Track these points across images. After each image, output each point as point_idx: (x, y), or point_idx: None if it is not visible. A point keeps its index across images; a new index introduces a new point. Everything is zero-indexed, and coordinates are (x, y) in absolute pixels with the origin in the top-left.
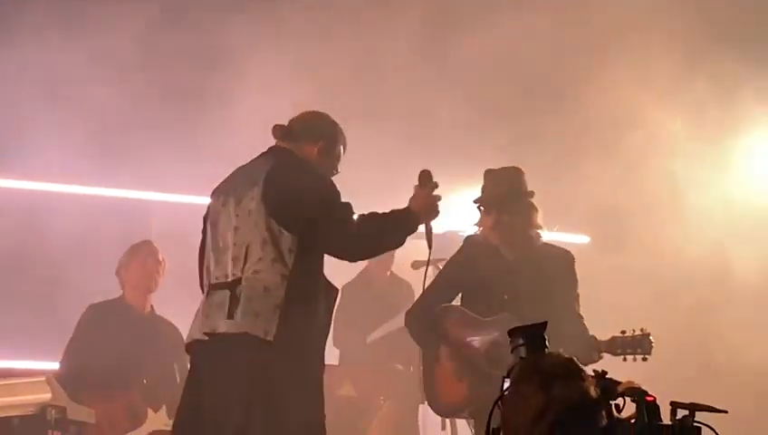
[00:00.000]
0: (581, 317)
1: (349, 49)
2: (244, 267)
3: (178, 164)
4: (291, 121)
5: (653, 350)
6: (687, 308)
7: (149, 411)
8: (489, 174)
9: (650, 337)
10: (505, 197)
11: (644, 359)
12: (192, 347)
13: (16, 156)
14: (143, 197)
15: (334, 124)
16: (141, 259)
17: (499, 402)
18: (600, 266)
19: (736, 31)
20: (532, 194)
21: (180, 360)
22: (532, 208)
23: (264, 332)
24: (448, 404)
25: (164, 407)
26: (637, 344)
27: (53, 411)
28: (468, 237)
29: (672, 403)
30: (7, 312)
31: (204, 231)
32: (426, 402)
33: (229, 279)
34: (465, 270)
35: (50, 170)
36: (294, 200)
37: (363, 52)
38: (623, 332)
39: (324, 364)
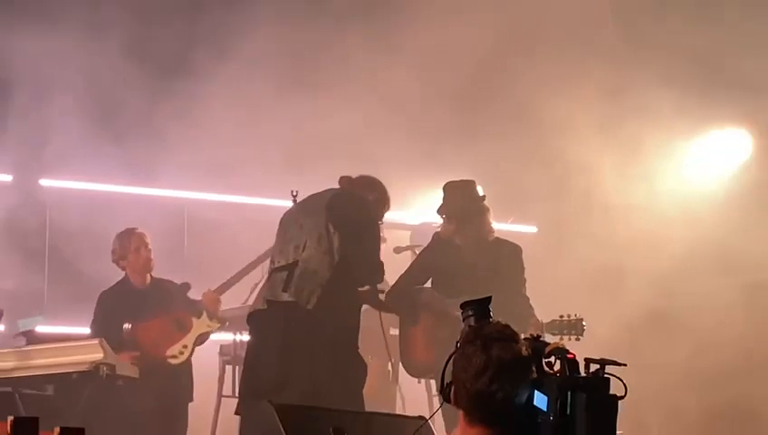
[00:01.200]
0: (527, 299)
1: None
2: (302, 254)
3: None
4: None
5: (584, 333)
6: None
7: (193, 319)
8: (449, 188)
9: (583, 322)
10: (463, 209)
11: (577, 339)
12: (253, 315)
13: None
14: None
15: (385, 190)
16: (135, 250)
17: (450, 362)
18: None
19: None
20: (483, 198)
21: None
22: (485, 212)
23: (307, 302)
24: (420, 367)
25: (204, 312)
26: (571, 327)
27: (105, 368)
28: (436, 234)
29: (585, 359)
30: (66, 288)
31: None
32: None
33: (290, 261)
34: (434, 260)
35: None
36: (350, 220)
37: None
38: (561, 316)
39: (356, 335)
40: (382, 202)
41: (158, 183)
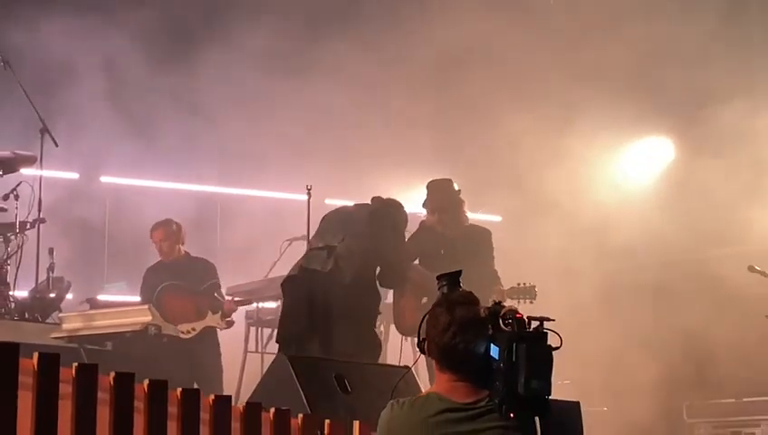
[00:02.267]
0: (495, 272)
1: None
2: (341, 242)
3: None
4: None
5: (536, 297)
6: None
7: (209, 313)
8: (431, 186)
9: (535, 288)
10: (443, 203)
11: (530, 302)
12: (290, 279)
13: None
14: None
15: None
16: (158, 241)
17: (424, 322)
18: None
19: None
20: (459, 192)
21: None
22: (461, 204)
23: (344, 276)
24: (408, 328)
25: (220, 311)
26: (526, 292)
27: (153, 328)
28: (422, 223)
29: (528, 317)
30: (122, 265)
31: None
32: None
33: (329, 244)
34: (420, 244)
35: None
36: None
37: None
38: (518, 283)
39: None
40: (405, 223)
41: (190, 179)
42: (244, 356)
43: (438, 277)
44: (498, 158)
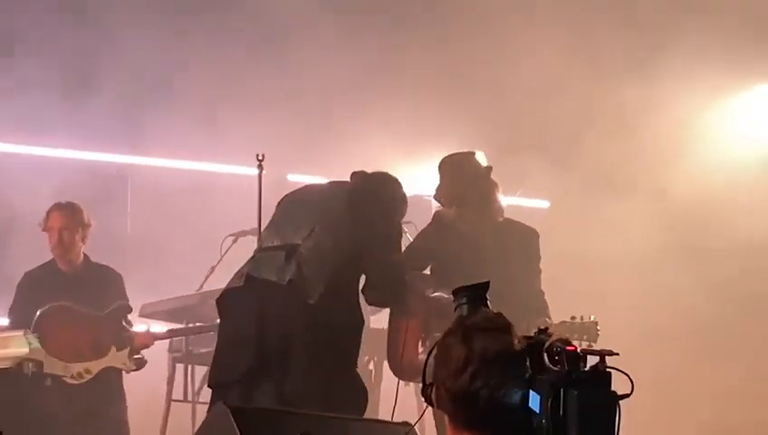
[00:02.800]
0: (542, 293)
1: None
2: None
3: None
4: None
5: (597, 338)
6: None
7: (112, 348)
8: (445, 166)
9: (597, 326)
10: (465, 191)
11: (589, 345)
12: (230, 293)
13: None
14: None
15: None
16: (49, 228)
17: (432, 357)
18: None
19: None
20: (489, 171)
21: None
22: (491, 189)
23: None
24: (408, 369)
25: (128, 348)
26: (584, 331)
27: (30, 365)
28: (437, 214)
29: (582, 350)
30: None
31: None
32: None
33: (287, 243)
34: (433, 246)
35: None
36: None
37: None
38: (573, 317)
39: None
40: (402, 207)
41: (87, 144)
42: (167, 406)
43: (455, 292)
44: (538, 117)
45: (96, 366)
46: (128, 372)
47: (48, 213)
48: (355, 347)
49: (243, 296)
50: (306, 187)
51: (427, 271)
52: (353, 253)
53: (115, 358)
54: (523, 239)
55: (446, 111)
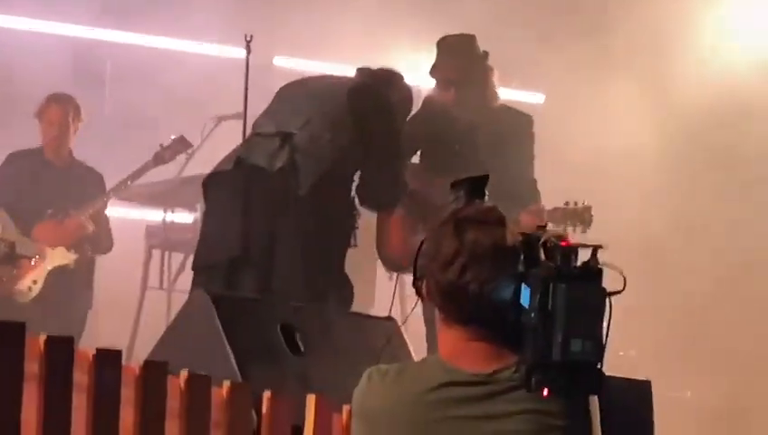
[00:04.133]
0: (534, 181)
1: None
2: (301, 129)
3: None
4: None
5: (591, 224)
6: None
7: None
8: (444, 45)
9: (591, 210)
10: (461, 70)
11: (583, 231)
12: (218, 176)
13: None
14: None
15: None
16: (55, 122)
17: (422, 249)
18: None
19: None
20: (486, 56)
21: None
22: (488, 73)
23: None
24: (396, 260)
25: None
26: (577, 216)
27: (2, 245)
28: (427, 99)
29: (576, 244)
30: None
31: None
32: None
33: (282, 130)
34: (423, 130)
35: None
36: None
37: None
38: (566, 203)
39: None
40: (407, 107)
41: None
42: (141, 293)
43: (453, 184)
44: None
45: (39, 274)
46: (73, 264)
47: (46, 104)
48: (344, 243)
49: (230, 180)
50: (307, 78)
51: (417, 158)
52: (350, 150)
53: (54, 256)
54: (517, 125)
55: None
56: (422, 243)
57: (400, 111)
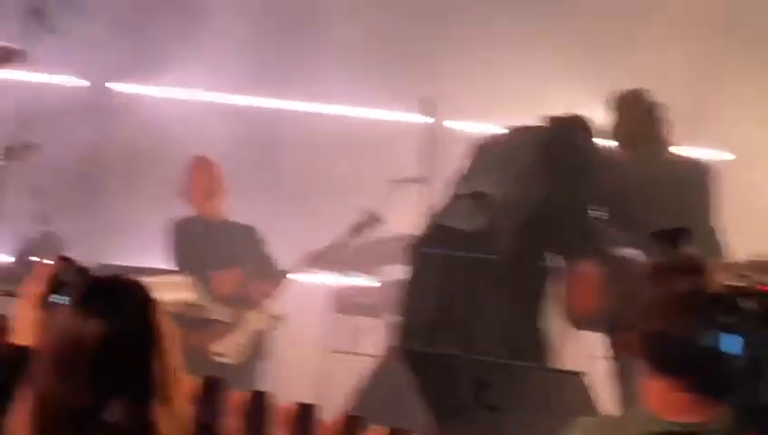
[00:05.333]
0: (714, 230)
1: None
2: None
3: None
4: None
5: None
6: None
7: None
8: (618, 105)
9: None
10: (638, 133)
11: None
12: (417, 243)
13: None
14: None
15: None
16: (198, 172)
17: (622, 303)
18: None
19: None
20: (658, 108)
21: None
22: (662, 125)
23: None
24: (580, 316)
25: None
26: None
27: (196, 311)
28: (605, 154)
29: None
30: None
31: None
32: None
33: (477, 191)
34: (600, 184)
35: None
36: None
37: None
38: (756, 256)
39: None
40: (597, 152)
41: (239, 88)
42: (328, 357)
43: (654, 235)
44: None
45: (242, 335)
46: (272, 331)
47: (200, 165)
48: (543, 298)
49: (429, 243)
50: (497, 133)
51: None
52: (543, 203)
53: (256, 319)
54: (694, 174)
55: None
56: (622, 295)
57: (591, 159)
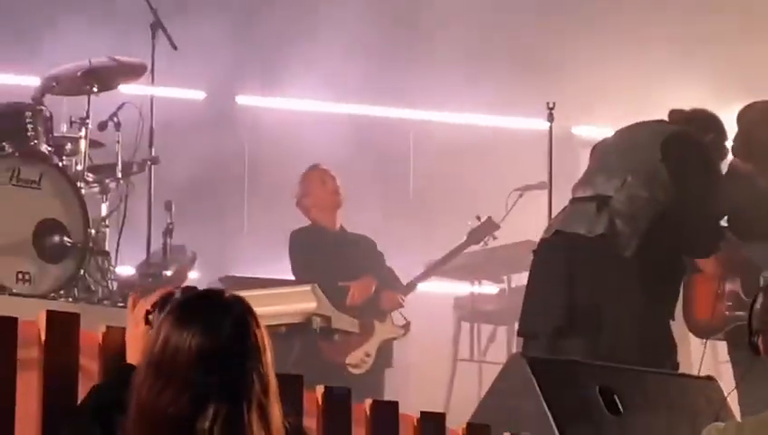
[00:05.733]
0: None
1: None
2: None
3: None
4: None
5: None
6: None
7: (375, 322)
8: (743, 120)
9: None
10: (760, 148)
11: None
12: (540, 247)
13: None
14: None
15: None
16: (320, 182)
17: (760, 304)
18: None
19: None
20: None
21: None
22: None
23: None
24: (702, 325)
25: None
26: None
27: (319, 320)
28: (732, 164)
29: None
30: (268, 228)
31: None
32: None
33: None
34: (731, 195)
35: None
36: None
37: None
38: None
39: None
40: (722, 146)
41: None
42: (453, 366)
43: None
44: None
45: (372, 346)
46: (398, 338)
47: (320, 176)
48: (671, 301)
49: (552, 249)
50: (620, 131)
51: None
52: (669, 204)
53: (383, 330)
54: None
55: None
56: (755, 300)
57: (716, 153)
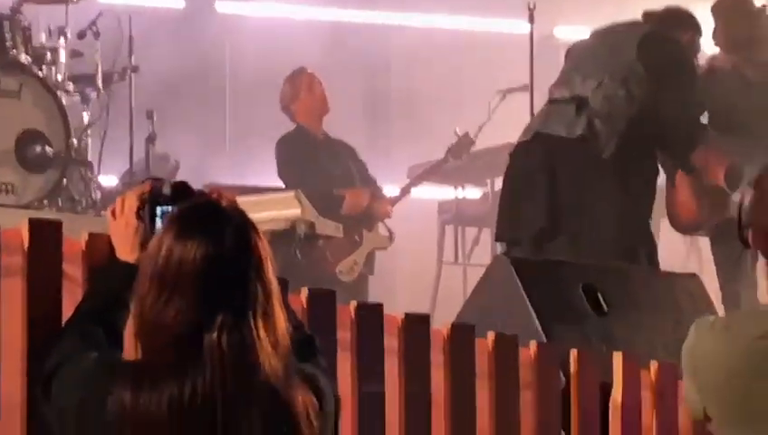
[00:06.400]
0: None
1: None
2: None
3: None
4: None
5: None
6: None
7: (364, 231)
8: (719, 11)
9: None
10: (740, 36)
11: None
12: (518, 149)
13: None
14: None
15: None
16: (307, 88)
17: (749, 200)
18: None
19: None
20: (765, 10)
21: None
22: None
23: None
24: (685, 221)
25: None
26: None
27: (303, 226)
28: (712, 60)
29: None
30: (249, 137)
31: None
32: None
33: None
34: (711, 89)
35: None
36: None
37: None
38: None
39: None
40: (697, 44)
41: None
42: (438, 269)
43: None
44: None
45: (360, 255)
46: (386, 248)
47: (308, 80)
48: (650, 200)
49: (531, 151)
50: (595, 33)
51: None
52: (647, 102)
53: (372, 239)
54: None
55: None
56: (745, 194)
57: (693, 49)
